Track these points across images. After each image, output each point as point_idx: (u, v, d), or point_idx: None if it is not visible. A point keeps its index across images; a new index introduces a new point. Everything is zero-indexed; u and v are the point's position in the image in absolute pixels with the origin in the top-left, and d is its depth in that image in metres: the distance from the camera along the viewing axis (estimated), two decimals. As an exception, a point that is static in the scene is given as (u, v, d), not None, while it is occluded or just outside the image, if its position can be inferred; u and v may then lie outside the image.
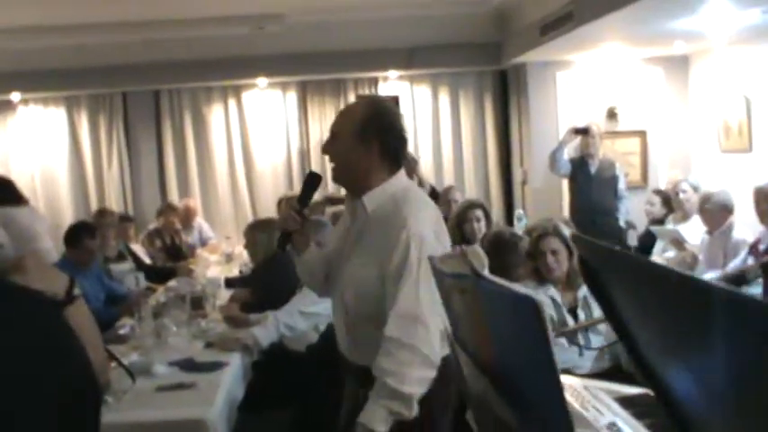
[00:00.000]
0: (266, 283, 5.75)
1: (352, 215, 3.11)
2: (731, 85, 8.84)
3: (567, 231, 4.90)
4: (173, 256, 9.05)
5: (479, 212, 6.42)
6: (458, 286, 1.45)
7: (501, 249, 5.19)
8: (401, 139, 3.04)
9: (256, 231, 6.22)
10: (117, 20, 8.86)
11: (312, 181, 3.19)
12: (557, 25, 7.66)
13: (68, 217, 10.08)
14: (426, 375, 2.74)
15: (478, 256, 2.16)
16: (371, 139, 2.95)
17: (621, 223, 8.61)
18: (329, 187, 10.17)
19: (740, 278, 2.12)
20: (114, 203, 10.21)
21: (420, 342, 2.71)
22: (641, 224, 8.65)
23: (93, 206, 10.28)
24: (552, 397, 1.09)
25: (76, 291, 2.05)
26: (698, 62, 9.64)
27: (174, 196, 10.32)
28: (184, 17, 8.92)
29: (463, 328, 1.51)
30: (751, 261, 5.25)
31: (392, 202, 2.96)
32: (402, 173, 3.07)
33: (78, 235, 6.53)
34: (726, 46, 8.78)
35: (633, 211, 8.87)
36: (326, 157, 3.10)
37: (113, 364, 2.43)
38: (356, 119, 2.99)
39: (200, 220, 10.08)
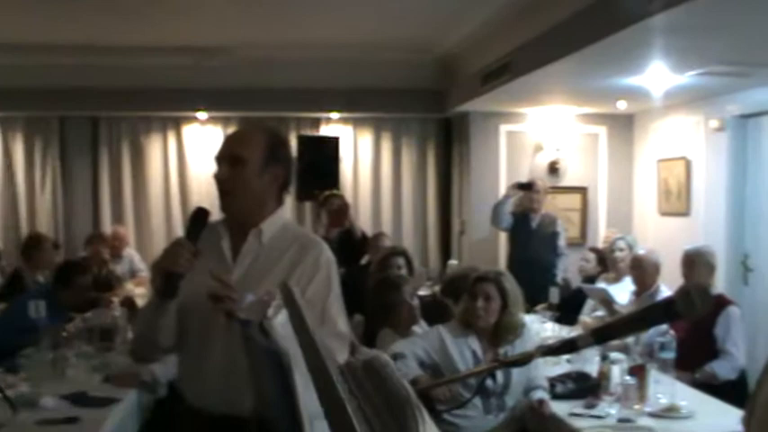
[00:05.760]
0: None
1: (236, 247, 2.94)
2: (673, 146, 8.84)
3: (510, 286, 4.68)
4: (100, 288, 8.71)
5: (401, 260, 6.30)
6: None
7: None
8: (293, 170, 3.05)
9: None
10: (58, 42, 8.65)
11: (200, 217, 2.88)
12: (496, 75, 7.62)
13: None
14: None
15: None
16: (278, 168, 2.93)
17: (558, 280, 8.41)
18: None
19: (572, 345, 2.03)
20: (45, 228, 9.89)
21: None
22: (577, 282, 8.50)
23: (24, 230, 10.03)
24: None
25: None
26: (642, 122, 9.63)
27: (107, 227, 10.07)
28: (128, 44, 8.74)
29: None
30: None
31: (286, 229, 2.99)
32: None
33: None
34: (666, 108, 8.75)
35: (571, 269, 8.74)
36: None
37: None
38: (263, 146, 2.91)
39: (131, 251, 9.78)
